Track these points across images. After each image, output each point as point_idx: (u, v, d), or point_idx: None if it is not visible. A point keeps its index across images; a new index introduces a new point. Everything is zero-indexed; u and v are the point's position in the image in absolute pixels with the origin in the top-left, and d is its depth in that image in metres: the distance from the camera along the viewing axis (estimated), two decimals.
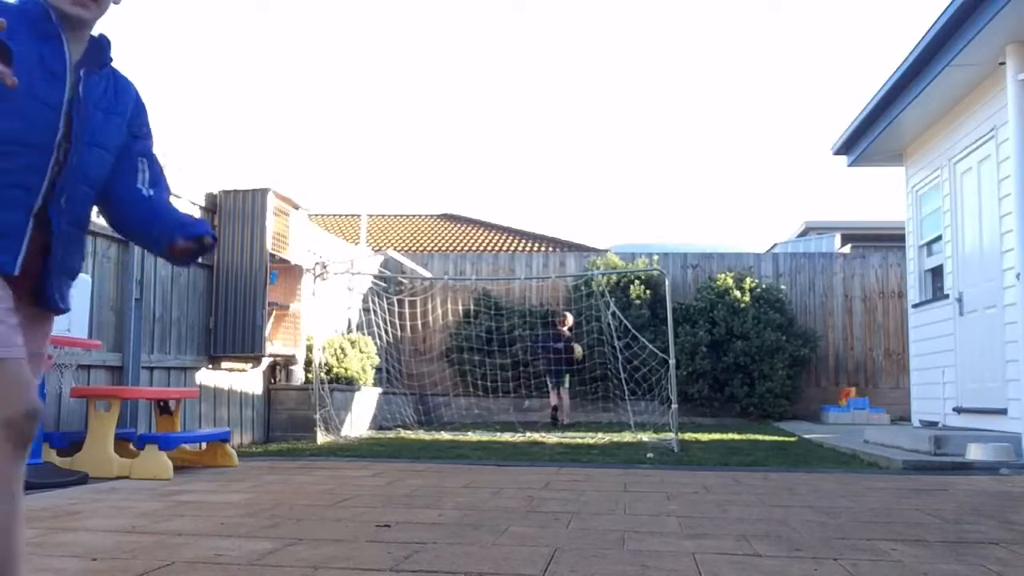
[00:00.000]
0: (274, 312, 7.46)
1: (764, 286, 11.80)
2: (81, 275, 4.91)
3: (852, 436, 7.94)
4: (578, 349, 10.80)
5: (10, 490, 1.68)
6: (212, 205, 6.96)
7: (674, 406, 7.42)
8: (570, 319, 10.92)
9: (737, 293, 11.48)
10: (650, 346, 9.08)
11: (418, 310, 11.64)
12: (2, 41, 1.50)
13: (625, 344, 9.91)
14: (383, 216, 21.93)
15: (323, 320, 8.57)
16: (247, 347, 6.88)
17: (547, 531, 3.14)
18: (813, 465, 5.91)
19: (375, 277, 10.76)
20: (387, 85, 71.85)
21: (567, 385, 10.72)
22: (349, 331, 9.88)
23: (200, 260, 6.65)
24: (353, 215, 19.56)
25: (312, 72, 67.79)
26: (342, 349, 8.80)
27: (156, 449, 4.84)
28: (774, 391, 11.09)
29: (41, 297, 1.76)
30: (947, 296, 7.56)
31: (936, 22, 6.40)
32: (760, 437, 8.35)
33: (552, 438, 8.14)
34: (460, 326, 12.08)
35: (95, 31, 1.80)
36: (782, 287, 12.09)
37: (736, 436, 8.47)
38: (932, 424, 7.74)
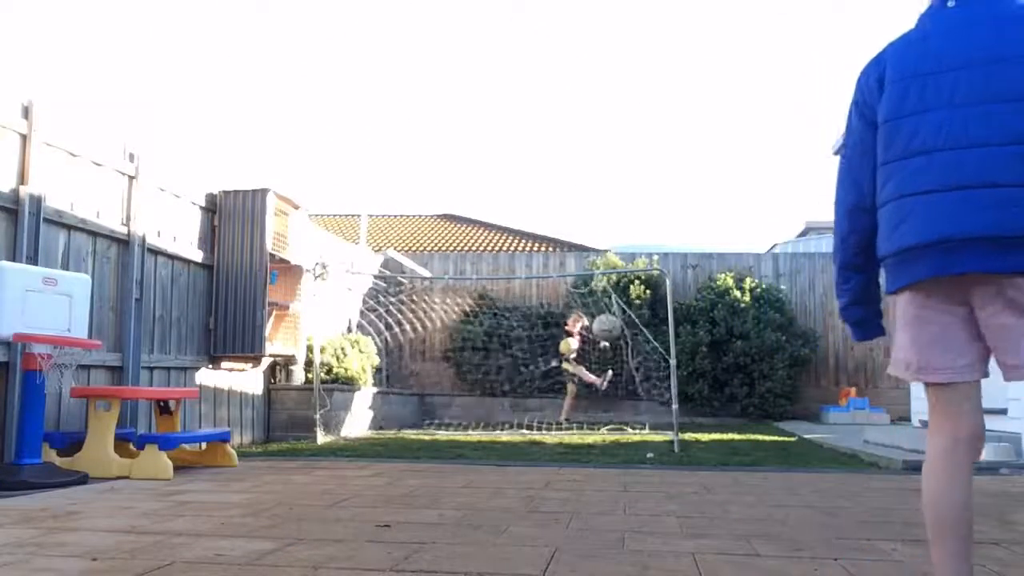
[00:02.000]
0: (274, 312, 7.46)
1: (764, 286, 11.80)
2: (81, 275, 4.92)
3: (852, 436, 7.94)
4: (563, 344, 10.61)
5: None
6: (212, 205, 6.96)
7: (674, 406, 7.42)
8: (574, 320, 10.65)
9: (737, 293, 11.48)
10: (653, 342, 9.06)
11: (418, 310, 11.64)
12: None
13: (632, 335, 9.88)
14: (383, 216, 21.94)
15: (323, 320, 8.57)
16: (247, 347, 6.88)
17: (547, 531, 3.14)
18: (813, 465, 5.90)
19: (375, 277, 10.76)
20: (387, 85, 71.78)
21: (575, 380, 10.52)
22: (349, 331, 9.88)
23: (200, 260, 6.68)
24: (353, 215, 19.56)
25: (312, 72, 67.72)
26: (342, 349, 8.80)
27: (156, 449, 4.84)
28: (774, 391, 11.09)
29: None
30: None
31: None
32: (760, 437, 8.35)
33: (552, 438, 8.14)
34: (460, 326, 12.08)
35: None
36: (782, 287, 12.08)
37: (736, 436, 8.46)
38: None
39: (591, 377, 10.47)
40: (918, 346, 1.84)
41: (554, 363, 10.76)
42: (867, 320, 2.03)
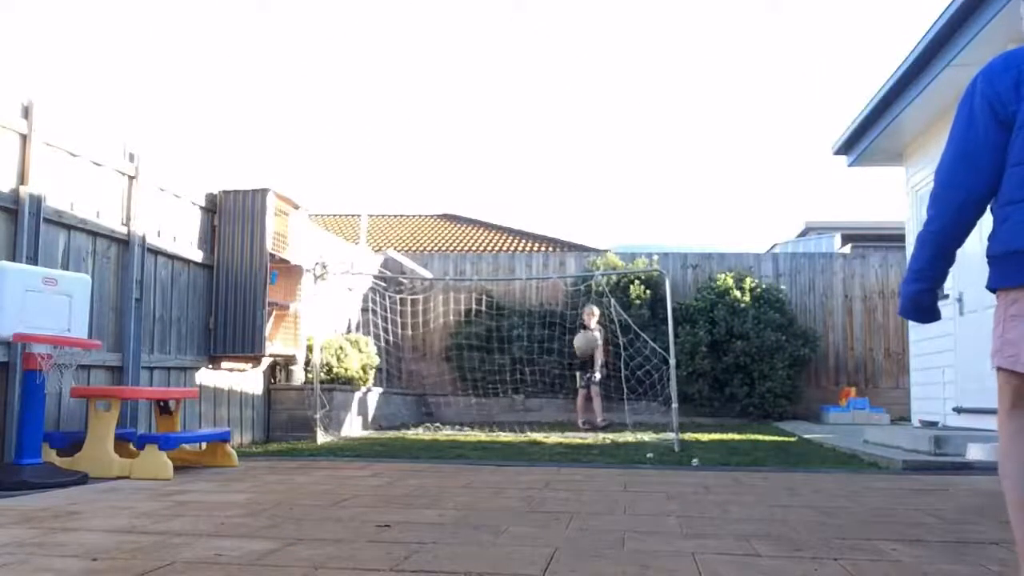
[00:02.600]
0: (274, 312, 7.46)
1: (764, 286, 11.81)
2: (81, 275, 4.92)
3: (852, 436, 7.94)
4: (577, 339, 9.86)
5: None
6: (212, 205, 6.96)
7: (674, 406, 7.42)
8: (588, 314, 10.02)
9: (737, 293, 11.48)
10: (652, 344, 9.07)
11: (418, 309, 11.64)
12: None
13: (629, 340, 9.88)
14: (383, 216, 21.94)
15: (323, 320, 8.57)
16: (247, 347, 6.88)
17: (547, 531, 3.14)
18: (813, 465, 5.90)
19: (375, 277, 10.76)
20: (387, 85, 71.83)
21: (579, 384, 9.99)
22: (349, 331, 9.88)
23: (200, 260, 6.68)
24: (353, 215, 19.56)
25: (312, 72, 67.76)
26: (342, 349, 8.80)
27: (156, 449, 4.84)
28: (774, 391, 11.09)
29: None
30: (947, 296, 7.56)
31: (936, 22, 6.40)
32: (760, 437, 8.35)
33: (552, 438, 8.14)
34: (460, 326, 12.08)
35: None
36: (782, 287, 12.09)
37: (736, 436, 8.47)
38: (932, 424, 7.74)
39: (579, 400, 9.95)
40: None
41: (597, 376, 9.84)
42: (934, 306, 2.07)
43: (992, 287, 2.00)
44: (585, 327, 10.04)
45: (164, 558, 2.59)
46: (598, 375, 9.90)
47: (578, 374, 10.12)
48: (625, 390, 9.91)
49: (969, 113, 1.96)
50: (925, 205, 8.46)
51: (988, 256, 1.99)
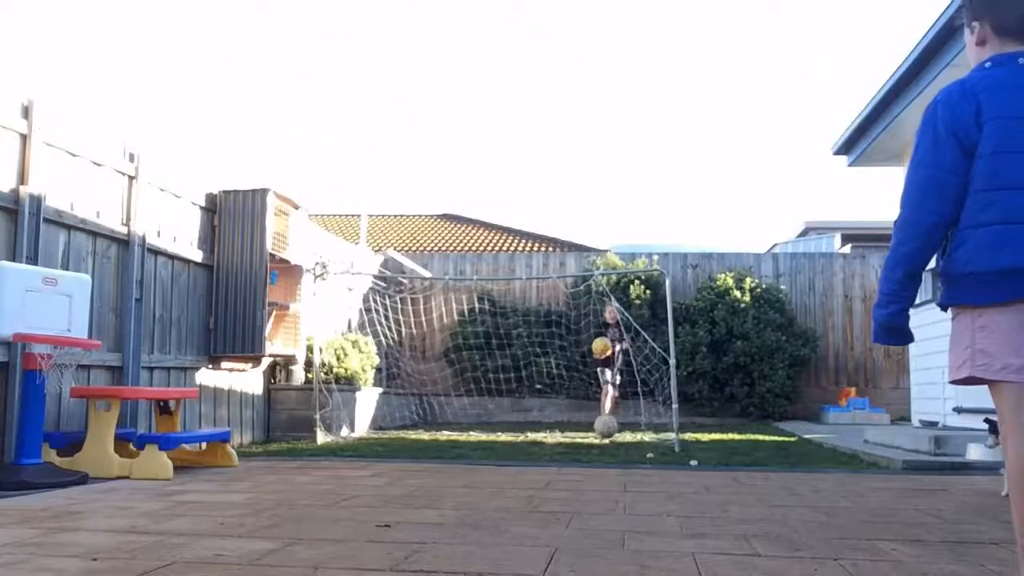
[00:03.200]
0: (274, 312, 7.45)
1: (764, 286, 11.81)
2: (81, 275, 4.92)
3: (852, 436, 7.94)
4: (597, 343, 9.58)
5: None
6: (212, 205, 6.95)
7: (674, 406, 7.42)
8: (610, 312, 9.72)
9: (737, 293, 11.49)
10: (651, 343, 9.07)
11: (419, 309, 11.64)
12: None
13: (630, 338, 9.86)
14: (383, 216, 21.94)
15: (323, 320, 8.57)
16: (247, 347, 6.88)
17: (547, 531, 3.14)
18: (813, 465, 5.90)
19: (375, 277, 10.76)
20: (387, 85, 71.86)
21: (608, 379, 9.67)
22: (349, 331, 9.88)
23: (200, 260, 6.67)
24: (353, 215, 19.57)
25: (312, 72, 67.79)
26: (342, 349, 8.80)
27: (156, 449, 4.84)
28: (774, 391, 11.09)
29: None
30: None
31: (936, 23, 6.40)
32: (760, 437, 8.35)
33: (552, 438, 8.14)
34: (460, 326, 12.09)
35: None
36: (782, 287, 12.10)
37: (736, 436, 8.47)
38: (932, 424, 7.74)
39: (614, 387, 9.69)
40: None
41: (611, 375, 9.65)
42: (906, 327, 2.13)
43: (945, 303, 2.06)
44: (607, 326, 9.82)
45: (164, 558, 2.59)
46: (617, 377, 9.73)
47: (599, 371, 9.87)
48: (626, 389, 9.90)
49: (934, 141, 2.02)
50: None
51: (943, 275, 2.05)
